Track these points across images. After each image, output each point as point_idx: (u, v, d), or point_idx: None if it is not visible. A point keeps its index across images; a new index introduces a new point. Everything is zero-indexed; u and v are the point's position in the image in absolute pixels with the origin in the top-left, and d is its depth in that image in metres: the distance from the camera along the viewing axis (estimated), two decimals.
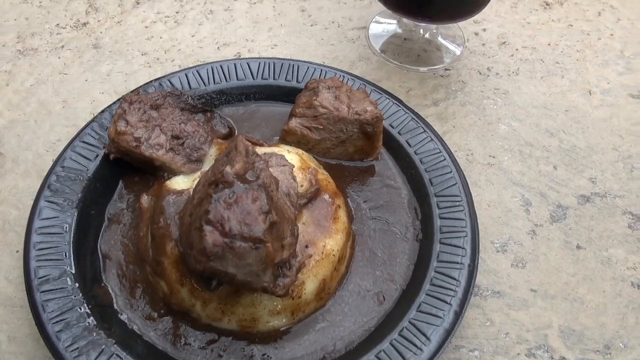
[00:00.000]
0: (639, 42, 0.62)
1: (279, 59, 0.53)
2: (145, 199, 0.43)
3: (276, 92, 0.51)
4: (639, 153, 0.52)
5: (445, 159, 0.46)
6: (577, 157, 0.52)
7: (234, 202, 0.33)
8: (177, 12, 0.62)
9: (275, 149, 0.45)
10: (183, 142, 0.45)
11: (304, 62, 0.53)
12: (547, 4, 0.66)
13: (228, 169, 0.35)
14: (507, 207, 0.48)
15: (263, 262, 0.33)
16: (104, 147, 0.45)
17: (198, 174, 0.44)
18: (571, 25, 0.64)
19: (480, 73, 0.58)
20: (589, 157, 0.52)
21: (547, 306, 0.43)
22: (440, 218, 0.43)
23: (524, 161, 0.51)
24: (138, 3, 0.62)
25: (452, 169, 0.46)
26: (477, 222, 0.43)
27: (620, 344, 0.41)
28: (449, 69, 0.59)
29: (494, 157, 0.52)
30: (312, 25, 0.62)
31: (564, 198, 0.49)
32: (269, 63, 0.52)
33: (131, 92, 0.46)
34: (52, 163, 0.45)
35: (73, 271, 0.39)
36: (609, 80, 0.58)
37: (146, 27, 0.60)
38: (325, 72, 0.52)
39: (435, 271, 0.40)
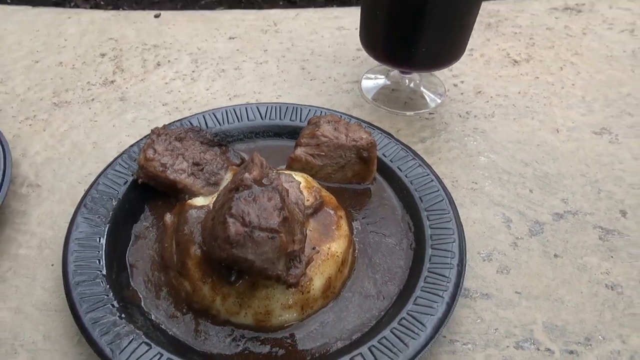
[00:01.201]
0: (597, 90, 0.71)
1: (284, 103, 0.60)
2: (168, 217, 0.48)
3: (282, 130, 0.58)
4: (604, 178, 0.59)
5: (432, 180, 0.52)
6: (550, 182, 0.58)
7: (253, 200, 0.39)
8: (193, 71, 0.70)
9: (285, 172, 0.51)
10: (202, 168, 0.51)
11: (306, 105, 0.60)
12: (516, 62, 0.75)
13: (247, 175, 0.40)
14: (491, 224, 0.54)
15: (278, 250, 0.38)
16: (132, 174, 0.51)
17: (215, 195, 0.49)
18: (537, 78, 0.72)
19: (460, 116, 0.66)
20: (560, 182, 0.58)
21: (531, 305, 0.47)
22: (431, 228, 0.49)
23: (503, 186, 0.57)
24: (159, 64, 0.71)
25: (439, 188, 0.52)
26: (462, 230, 0.48)
27: (600, 337, 0.45)
28: (433, 113, 0.66)
29: (476, 183, 0.58)
30: (311, 80, 0.70)
31: (540, 216, 0.55)
32: (275, 107, 0.60)
33: (159, 127, 0.53)
34: (83, 192, 0.50)
35: (105, 275, 0.43)
36: (573, 120, 0.66)
37: (166, 83, 0.68)
38: (324, 112, 0.59)
39: (429, 271, 0.45)
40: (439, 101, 0.68)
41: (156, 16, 0.80)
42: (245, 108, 0.59)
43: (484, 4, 0.88)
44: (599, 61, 0.76)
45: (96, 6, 0.90)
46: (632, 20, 0.84)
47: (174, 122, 0.56)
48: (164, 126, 0.53)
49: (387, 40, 0.59)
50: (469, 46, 0.77)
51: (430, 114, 0.66)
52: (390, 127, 0.64)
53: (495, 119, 0.66)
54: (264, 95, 0.67)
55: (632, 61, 0.76)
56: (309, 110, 0.59)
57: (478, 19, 0.84)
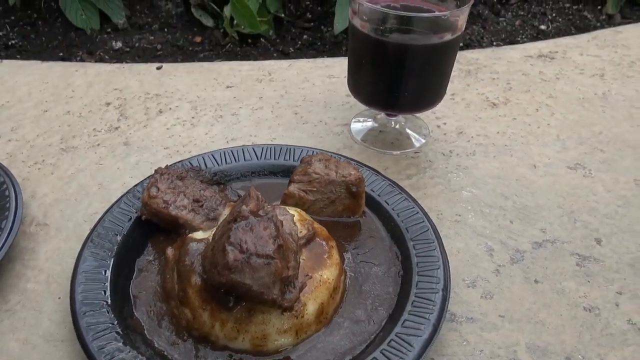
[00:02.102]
0: (571, 129, 0.75)
1: (278, 144, 0.64)
2: (170, 250, 0.51)
3: (276, 169, 0.62)
4: (579, 209, 0.62)
5: (418, 212, 0.56)
6: (529, 214, 0.61)
7: (250, 229, 0.42)
8: (192, 118, 0.74)
9: (280, 207, 0.54)
10: (202, 204, 0.54)
11: (299, 146, 0.64)
12: (494, 104, 0.80)
13: (244, 207, 0.44)
14: (474, 253, 0.57)
15: (273, 275, 0.41)
16: (136, 212, 0.54)
17: (215, 228, 0.52)
18: (515, 119, 0.77)
19: (443, 154, 0.70)
20: (538, 213, 0.61)
21: (514, 328, 0.49)
22: (417, 257, 0.51)
23: (485, 218, 0.61)
24: (161, 112, 0.75)
25: (424, 220, 0.55)
26: (447, 258, 0.51)
27: (579, 356, 0.47)
28: (418, 152, 0.70)
29: (460, 215, 0.61)
30: (304, 124, 0.74)
31: (520, 245, 0.58)
32: (270, 147, 0.63)
33: (162, 167, 0.56)
34: (89, 230, 0.53)
35: (110, 305, 0.46)
36: (549, 157, 0.70)
37: (167, 129, 0.72)
38: (315, 152, 0.63)
39: (415, 296, 0.48)
40: (423, 141, 0.72)
41: (158, 68, 0.85)
42: (242, 149, 0.63)
43: (464, 53, 0.95)
44: (571, 103, 0.81)
45: (101, 60, 0.95)
46: (601, 66, 0.90)
47: (175, 163, 0.60)
48: (167, 166, 0.57)
49: (372, 86, 0.64)
50: (450, 91, 0.82)
51: (415, 153, 0.70)
52: (378, 165, 0.67)
53: (476, 157, 0.70)
54: (259, 138, 0.71)
55: (603, 102, 0.81)
56: (302, 150, 0.63)
57: (459, 66, 0.90)
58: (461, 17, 0.59)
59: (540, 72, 0.88)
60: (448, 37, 0.59)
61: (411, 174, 0.66)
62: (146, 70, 0.84)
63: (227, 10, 0.99)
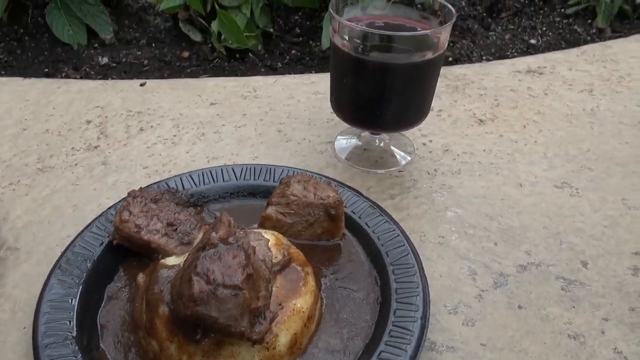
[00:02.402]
0: (558, 146, 0.74)
1: (258, 164, 0.62)
2: (141, 277, 0.49)
3: (255, 190, 0.60)
4: (565, 230, 0.60)
5: (399, 235, 0.54)
6: (514, 235, 0.59)
7: (218, 258, 0.40)
8: (174, 136, 0.73)
9: (256, 230, 0.52)
10: (176, 228, 0.52)
11: (279, 166, 0.62)
12: (481, 121, 0.78)
13: (214, 234, 0.42)
14: (457, 277, 0.55)
15: (241, 307, 0.39)
16: (108, 236, 0.52)
17: (188, 254, 0.50)
18: (502, 136, 0.75)
19: (428, 173, 0.68)
20: (523, 234, 0.60)
21: (496, 357, 0.47)
22: (396, 282, 0.49)
23: (469, 240, 0.59)
24: (142, 130, 0.73)
25: (404, 243, 0.53)
26: (427, 284, 0.49)
27: None
28: (402, 171, 0.68)
29: (443, 237, 0.59)
30: (287, 142, 0.72)
31: (504, 268, 0.56)
32: (249, 168, 0.62)
33: (136, 190, 0.54)
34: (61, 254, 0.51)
35: (75, 336, 0.44)
36: (535, 175, 0.68)
37: (148, 147, 0.70)
38: (296, 172, 0.61)
39: (393, 325, 0.46)
40: (408, 159, 0.70)
41: (142, 85, 0.83)
42: (221, 169, 0.61)
43: (452, 68, 0.93)
44: (559, 119, 0.79)
45: (86, 76, 0.94)
46: (590, 81, 0.89)
47: (151, 184, 0.58)
48: (141, 188, 0.55)
49: (354, 104, 0.62)
50: (437, 107, 0.81)
51: (399, 171, 0.68)
52: (361, 185, 0.66)
53: (461, 176, 0.68)
54: (241, 157, 0.69)
55: (591, 119, 0.80)
56: (282, 170, 0.61)
57: (446, 82, 0.88)
58: (443, 35, 0.58)
59: (528, 88, 0.87)
60: (430, 55, 0.57)
61: (394, 194, 0.64)
62: (129, 86, 0.83)
63: (214, 26, 0.98)
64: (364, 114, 0.62)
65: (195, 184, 0.59)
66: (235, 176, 0.61)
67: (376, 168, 0.68)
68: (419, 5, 0.63)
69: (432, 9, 0.62)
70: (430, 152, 0.72)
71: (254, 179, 0.61)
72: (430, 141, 0.74)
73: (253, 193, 0.60)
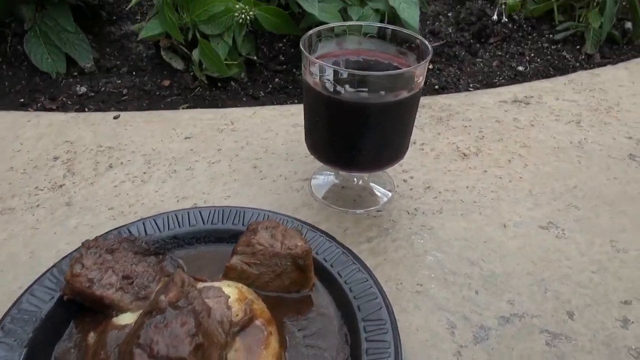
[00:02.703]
0: (544, 183, 0.70)
1: (228, 206, 0.59)
2: (91, 336, 0.45)
3: (224, 235, 0.56)
4: (550, 276, 0.57)
5: (372, 287, 0.50)
6: (496, 282, 0.56)
7: (164, 326, 0.36)
8: (144, 173, 0.69)
9: (216, 284, 0.48)
10: (132, 282, 0.48)
11: (250, 208, 0.59)
12: (465, 155, 0.75)
13: (162, 297, 0.38)
14: (434, 331, 0.51)
15: None
16: (60, 290, 0.48)
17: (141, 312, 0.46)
18: (486, 171, 0.72)
19: (408, 213, 0.65)
20: (506, 281, 0.56)
21: None
22: (367, 341, 0.46)
23: (448, 288, 0.55)
24: (111, 167, 0.70)
25: (377, 295, 0.49)
26: (400, 344, 0.45)
27: None
28: (381, 211, 0.65)
29: (421, 285, 0.55)
30: (262, 179, 0.69)
31: (485, 320, 0.52)
32: (217, 210, 0.58)
33: (91, 239, 0.51)
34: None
35: None
36: (520, 215, 0.65)
37: (115, 186, 0.67)
38: (268, 216, 0.58)
39: None
40: (387, 198, 0.67)
41: (115, 117, 0.80)
42: (188, 213, 0.58)
43: (437, 98, 0.90)
44: (546, 153, 0.76)
45: (62, 106, 0.91)
46: (577, 112, 0.86)
47: (110, 230, 0.54)
48: (96, 238, 0.51)
49: (328, 144, 0.59)
50: (420, 140, 0.78)
51: (378, 211, 0.65)
52: (337, 226, 0.62)
53: (443, 215, 0.64)
54: (212, 196, 0.66)
55: (579, 152, 0.76)
56: (252, 213, 0.58)
57: (430, 113, 0.85)
58: (418, 72, 0.55)
59: (514, 119, 0.84)
60: (404, 94, 0.54)
61: (372, 237, 0.61)
62: (102, 119, 0.80)
63: (195, 54, 0.95)
64: (338, 154, 0.59)
65: (159, 229, 0.56)
66: (203, 220, 0.57)
67: (354, 207, 0.65)
68: (396, 40, 0.60)
69: (409, 44, 0.59)
70: (411, 189, 0.68)
71: (222, 223, 0.57)
72: (412, 177, 0.70)
73: (221, 238, 0.56)
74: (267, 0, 1.09)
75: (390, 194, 0.67)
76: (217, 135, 0.77)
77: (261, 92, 0.96)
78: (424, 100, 0.88)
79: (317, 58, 0.59)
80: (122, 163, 0.71)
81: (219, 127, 0.79)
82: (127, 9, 1.19)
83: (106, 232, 0.54)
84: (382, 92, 0.54)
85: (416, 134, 0.79)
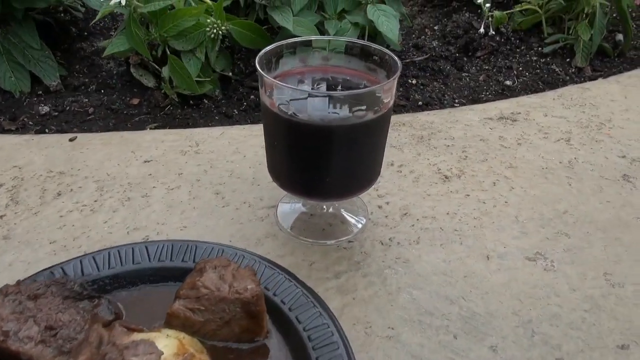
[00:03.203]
0: (531, 208, 0.64)
1: (178, 240, 0.52)
2: None
3: (172, 273, 0.50)
4: (538, 316, 0.50)
5: (333, 334, 0.44)
6: (477, 324, 0.49)
7: None
8: (95, 201, 0.63)
9: (155, 334, 0.42)
10: (56, 333, 0.41)
11: (203, 242, 0.52)
12: (446, 177, 0.69)
13: None
14: None
15: None
16: None
17: None
18: (468, 195, 0.66)
19: (382, 243, 0.58)
20: (489, 323, 0.49)
21: None
22: None
23: (423, 332, 0.48)
24: (59, 194, 0.64)
25: (339, 346, 0.43)
26: None
27: None
28: (353, 241, 0.58)
29: (393, 329, 0.49)
30: (223, 207, 0.63)
31: None
32: (167, 245, 0.52)
33: (12, 284, 0.44)
34: None
35: None
36: (505, 245, 0.58)
37: (61, 216, 0.60)
38: (222, 251, 0.51)
39: None
40: (360, 226, 0.60)
41: (71, 140, 0.74)
42: (132, 248, 0.51)
43: (419, 115, 0.84)
44: (533, 174, 0.70)
45: (23, 127, 0.85)
46: (567, 129, 0.80)
47: (42, 270, 0.48)
48: (19, 282, 0.45)
49: (289, 170, 0.53)
50: (398, 161, 0.71)
51: (349, 242, 0.58)
52: (303, 260, 0.56)
53: (420, 246, 0.58)
54: (167, 226, 0.59)
55: (569, 173, 0.70)
56: (205, 248, 0.52)
57: (411, 132, 0.79)
58: (386, 90, 0.49)
59: (500, 137, 0.78)
60: (370, 115, 0.48)
61: (340, 272, 0.54)
62: (57, 142, 0.73)
63: (165, 71, 0.89)
64: (301, 182, 0.53)
65: (98, 268, 0.49)
66: (149, 256, 0.51)
67: (323, 238, 0.59)
68: (364, 56, 0.54)
69: (377, 59, 0.53)
70: (387, 216, 0.62)
71: (171, 260, 0.51)
72: (387, 203, 0.64)
73: (169, 277, 0.50)
74: (245, 14, 1.04)
75: (363, 221, 0.61)
76: (179, 158, 0.71)
77: (235, 110, 0.90)
78: (404, 118, 0.82)
79: (277, 76, 0.53)
80: (72, 190, 0.64)
81: (182, 149, 0.73)
82: (92, 24, 1.13)
83: (36, 273, 0.47)
84: (346, 113, 0.48)
85: (394, 155, 0.72)
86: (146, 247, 0.51)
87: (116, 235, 0.58)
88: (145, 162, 0.70)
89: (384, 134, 0.53)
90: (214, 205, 0.63)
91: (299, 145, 0.50)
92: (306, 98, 0.47)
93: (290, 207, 0.62)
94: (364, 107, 0.48)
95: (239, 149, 0.73)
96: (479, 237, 0.59)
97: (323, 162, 0.50)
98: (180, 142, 0.74)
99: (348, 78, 0.54)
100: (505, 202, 0.65)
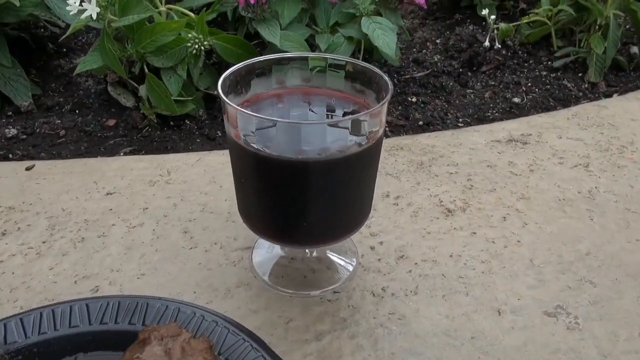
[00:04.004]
0: (548, 249, 0.54)
1: (127, 296, 0.43)
2: None
3: (115, 339, 0.41)
4: None
5: None
6: None
7: None
8: (43, 242, 0.54)
9: None
10: None
11: (157, 299, 0.43)
12: (449, 211, 0.60)
13: None
14: None
15: None
16: None
17: None
18: (474, 233, 0.56)
19: (374, 294, 0.49)
20: None
21: None
22: None
23: None
24: (4, 234, 0.55)
25: None
26: None
27: None
28: (339, 292, 0.49)
29: None
30: (191, 248, 0.54)
31: None
32: (113, 303, 0.42)
33: None
34: None
35: None
36: (519, 296, 0.49)
37: (2, 261, 0.52)
38: (179, 310, 0.42)
39: None
40: (349, 272, 0.51)
41: (28, 169, 0.65)
42: (70, 307, 0.42)
43: (418, 138, 0.75)
44: (549, 207, 0.60)
45: None
46: (585, 153, 0.71)
47: None
48: None
49: (260, 213, 0.44)
50: (395, 192, 0.62)
51: (335, 292, 0.49)
52: (279, 316, 0.46)
53: (418, 298, 0.48)
54: (122, 274, 0.50)
55: (589, 205, 0.61)
56: (159, 306, 0.42)
57: (410, 157, 0.70)
58: (373, 116, 0.40)
59: (509, 163, 0.68)
60: (355, 148, 0.39)
61: (323, 332, 0.45)
62: (12, 171, 0.65)
63: (142, 90, 0.81)
64: (274, 226, 0.44)
65: (26, 334, 0.40)
66: (89, 318, 0.41)
67: (304, 287, 0.49)
68: (351, 75, 0.45)
69: (366, 79, 0.44)
70: (380, 259, 0.53)
71: (116, 322, 0.41)
72: (381, 243, 0.55)
73: (111, 344, 0.40)
74: (234, 28, 0.96)
75: (352, 266, 0.51)
76: (147, 190, 0.62)
77: (219, 132, 0.81)
78: (402, 141, 0.73)
79: (246, 101, 0.44)
80: (19, 229, 0.55)
81: (151, 179, 0.64)
82: (61, 39, 1.05)
83: None
84: (324, 146, 0.39)
85: (390, 184, 0.63)
86: (87, 306, 0.42)
87: (61, 285, 0.49)
88: (108, 194, 0.61)
89: (372, 168, 0.44)
90: (180, 247, 0.54)
91: (269, 183, 0.41)
92: (274, 126, 0.38)
93: (268, 249, 0.53)
94: (347, 138, 0.39)
95: (215, 178, 0.64)
96: (488, 286, 0.50)
97: (298, 204, 0.41)
98: (151, 170, 0.65)
99: (332, 102, 0.45)
100: (518, 241, 0.55)
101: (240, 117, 0.39)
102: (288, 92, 0.46)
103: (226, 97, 0.41)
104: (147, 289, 0.48)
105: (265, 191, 0.41)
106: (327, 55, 0.46)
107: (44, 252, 0.52)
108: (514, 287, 0.50)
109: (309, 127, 0.38)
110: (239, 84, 0.44)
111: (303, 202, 0.41)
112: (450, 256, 0.53)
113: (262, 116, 0.38)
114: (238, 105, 0.44)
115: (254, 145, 0.39)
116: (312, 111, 0.44)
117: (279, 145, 0.38)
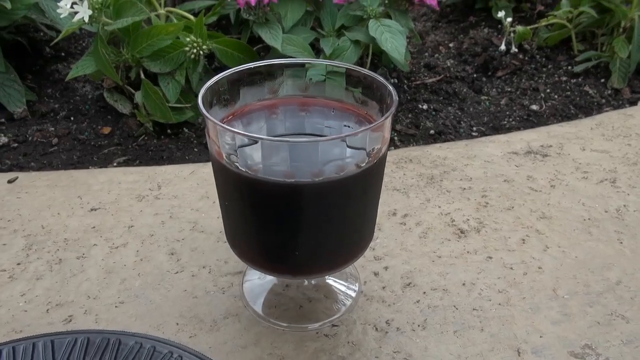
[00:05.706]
0: (573, 277, 0.48)
1: (98, 332, 0.38)
2: None
3: None
4: None
5: None
6: None
7: None
8: (18, 264, 0.49)
9: None
10: None
11: (131, 335, 0.38)
12: (462, 232, 0.54)
13: None
14: None
15: None
16: None
17: None
18: (490, 258, 0.51)
19: (376, 329, 0.43)
20: None
21: None
22: None
23: None
24: None
25: None
26: None
27: None
28: (338, 325, 0.44)
29: None
30: (176, 273, 0.49)
31: None
32: (81, 340, 0.38)
33: None
34: None
35: None
36: (541, 333, 0.43)
37: None
38: (154, 348, 0.37)
39: None
40: (349, 302, 0.45)
41: (10, 181, 0.61)
42: (33, 344, 0.37)
43: (428, 149, 0.69)
44: (573, 228, 0.54)
45: None
46: (611, 167, 0.64)
47: None
48: None
49: (246, 239, 0.38)
50: (402, 210, 0.57)
51: (333, 326, 0.43)
52: (269, 354, 0.41)
53: (426, 333, 0.43)
54: (99, 302, 0.45)
55: (618, 226, 0.54)
56: (132, 345, 0.37)
57: (419, 170, 0.64)
58: (375, 131, 0.34)
59: (528, 177, 0.62)
60: (353, 170, 0.34)
61: None
62: None
63: (138, 97, 0.76)
64: (262, 255, 0.38)
65: None
66: (54, 357, 0.37)
67: (299, 320, 0.44)
68: (352, 84, 0.40)
69: (369, 89, 0.39)
70: (384, 287, 0.47)
71: None
72: (386, 268, 0.49)
73: None
74: (238, 32, 0.92)
75: (353, 295, 0.46)
76: (134, 206, 0.57)
77: None
78: (412, 153, 0.67)
79: (233, 113, 0.39)
80: None
81: (140, 193, 0.59)
82: (53, 44, 1.01)
83: None
84: (317, 167, 0.33)
85: (398, 201, 0.58)
86: (52, 343, 0.37)
87: (32, 313, 0.44)
88: (92, 210, 0.56)
89: (375, 189, 0.38)
90: (165, 271, 0.49)
91: (255, 208, 0.35)
92: (257, 144, 0.33)
93: (260, 277, 0.48)
94: (344, 157, 0.34)
95: (208, 192, 0.59)
96: (505, 320, 0.44)
97: (288, 232, 0.35)
98: (140, 184, 0.61)
99: (331, 113, 0.40)
100: (539, 267, 0.49)
101: (221, 133, 0.33)
102: (282, 102, 0.41)
103: (209, 108, 0.36)
104: (125, 319, 0.43)
105: (252, 217, 0.36)
106: (326, 62, 0.41)
107: (17, 276, 0.48)
108: (535, 322, 0.44)
109: (298, 146, 0.33)
110: (224, 94, 0.39)
111: (294, 230, 0.35)
112: (463, 284, 0.47)
113: (242, 132, 0.32)
114: (225, 118, 0.39)
115: (237, 165, 0.34)
116: (308, 124, 0.39)
117: (264, 167, 0.33)
